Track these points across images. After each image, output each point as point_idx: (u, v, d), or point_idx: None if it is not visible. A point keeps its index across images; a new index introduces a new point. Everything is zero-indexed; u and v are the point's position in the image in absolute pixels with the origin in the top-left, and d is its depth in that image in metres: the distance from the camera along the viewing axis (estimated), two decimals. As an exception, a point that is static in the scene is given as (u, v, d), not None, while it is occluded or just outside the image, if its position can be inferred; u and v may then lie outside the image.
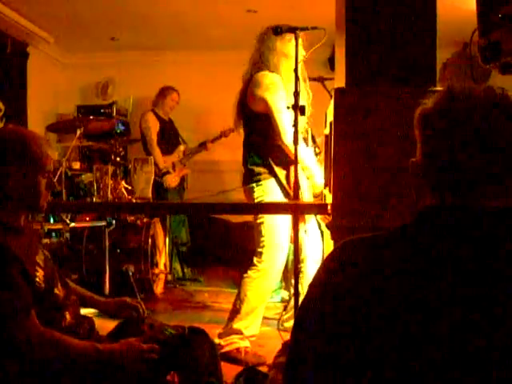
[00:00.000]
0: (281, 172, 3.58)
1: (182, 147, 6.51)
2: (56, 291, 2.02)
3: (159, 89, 6.48)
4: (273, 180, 3.60)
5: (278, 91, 3.54)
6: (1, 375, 1.78)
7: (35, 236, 2.20)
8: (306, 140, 3.74)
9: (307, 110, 3.28)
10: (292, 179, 3.33)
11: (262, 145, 3.64)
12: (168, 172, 6.15)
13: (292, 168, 3.32)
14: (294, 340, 1.18)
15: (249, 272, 3.66)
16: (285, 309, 4.17)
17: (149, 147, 6.15)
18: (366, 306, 1.05)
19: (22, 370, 1.79)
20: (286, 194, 3.54)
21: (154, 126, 6.24)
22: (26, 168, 1.97)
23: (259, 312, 3.70)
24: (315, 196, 3.66)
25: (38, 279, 1.91)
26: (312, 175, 3.61)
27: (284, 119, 3.46)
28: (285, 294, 4.97)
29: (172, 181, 6.23)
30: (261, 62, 3.66)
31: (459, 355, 0.98)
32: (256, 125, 3.66)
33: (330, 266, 1.19)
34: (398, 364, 1.00)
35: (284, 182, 3.56)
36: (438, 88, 1.17)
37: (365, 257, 1.12)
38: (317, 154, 3.83)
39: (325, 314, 1.10)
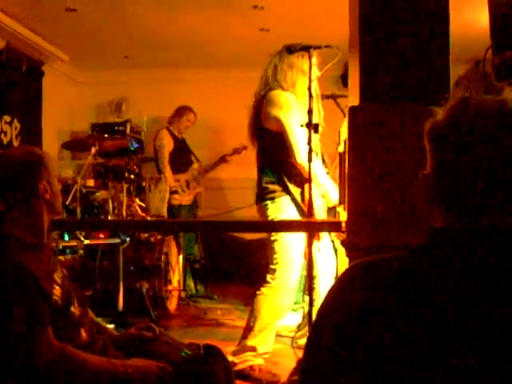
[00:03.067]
0: (295, 190, 3.58)
1: (195, 165, 6.54)
2: (72, 309, 2.04)
3: (176, 107, 6.54)
4: (287, 197, 3.60)
5: (291, 110, 3.55)
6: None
7: (53, 254, 2.22)
8: (318, 156, 3.75)
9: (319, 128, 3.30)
10: (306, 197, 3.34)
11: (276, 162, 3.65)
12: (176, 191, 6.17)
13: (306, 186, 3.33)
14: (306, 360, 1.16)
15: (262, 289, 3.65)
16: (298, 326, 4.16)
17: (160, 165, 6.19)
18: (377, 329, 1.03)
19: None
20: (301, 212, 3.54)
21: (168, 144, 6.29)
22: (50, 177, 2.10)
23: (272, 329, 3.69)
24: (329, 209, 3.67)
25: (55, 296, 1.93)
26: (326, 193, 3.62)
27: (298, 137, 3.47)
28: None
29: (186, 198, 6.25)
30: (274, 80, 3.67)
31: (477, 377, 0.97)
32: (270, 143, 3.67)
33: (340, 288, 1.17)
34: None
35: (299, 199, 3.56)
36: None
37: (375, 280, 1.10)
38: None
39: (335, 336, 1.09)
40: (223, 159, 6.56)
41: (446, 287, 1.03)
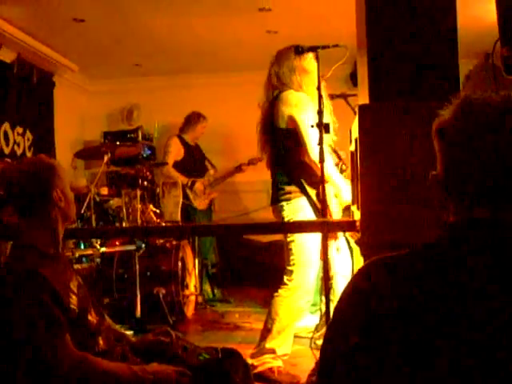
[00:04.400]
0: (312, 190, 3.58)
1: (211, 171, 6.55)
2: (89, 317, 2.05)
3: (188, 114, 6.54)
4: (304, 198, 3.59)
5: (305, 109, 3.55)
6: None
7: (68, 263, 2.24)
8: (335, 153, 3.75)
9: (331, 126, 3.29)
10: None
11: (291, 162, 3.65)
12: (195, 181, 6.18)
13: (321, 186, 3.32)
14: (323, 359, 1.16)
15: (279, 291, 3.65)
16: (316, 327, 4.15)
17: (164, 171, 6.19)
18: (392, 326, 1.03)
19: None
20: (317, 213, 3.53)
21: (174, 151, 6.29)
22: (63, 185, 2.12)
23: (291, 330, 3.68)
24: (343, 210, 3.66)
25: (72, 305, 1.94)
26: (339, 191, 3.61)
27: (311, 136, 3.47)
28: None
29: (202, 203, 6.26)
30: (281, 82, 3.68)
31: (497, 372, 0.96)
32: (283, 143, 3.66)
33: (355, 286, 1.17)
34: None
35: (315, 200, 3.55)
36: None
37: (390, 277, 1.10)
38: (343, 171, 3.83)
39: (352, 333, 1.09)
40: (239, 168, 6.55)
41: (461, 280, 1.03)
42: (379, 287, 1.10)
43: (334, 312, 1.18)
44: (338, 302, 1.17)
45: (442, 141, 1.15)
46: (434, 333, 1.00)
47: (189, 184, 6.17)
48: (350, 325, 1.10)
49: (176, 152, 6.31)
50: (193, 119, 6.50)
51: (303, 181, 3.60)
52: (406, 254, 1.13)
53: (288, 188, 3.64)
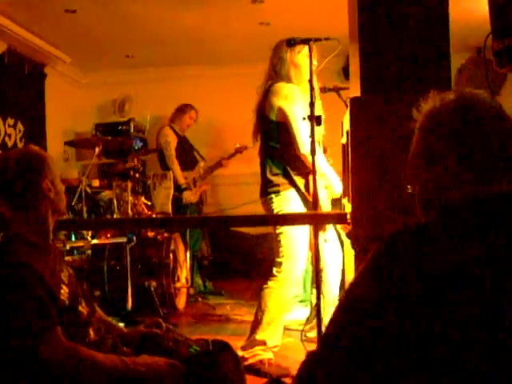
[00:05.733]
0: (300, 181, 3.59)
1: (201, 163, 6.55)
2: (80, 308, 2.05)
3: (178, 105, 6.53)
4: (292, 190, 3.61)
5: (296, 101, 3.57)
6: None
7: (59, 254, 2.23)
8: (320, 147, 3.76)
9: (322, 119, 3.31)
10: (311, 188, 3.34)
11: (280, 154, 3.66)
12: (187, 188, 6.18)
13: (310, 177, 3.33)
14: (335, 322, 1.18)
15: (269, 282, 3.66)
16: (307, 320, 4.16)
17: (168, 162, 6.18)
18: (418, 301, 1.05)
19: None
20: (306, 204, 3.55)
21: (173, 141, 6.29)
22: (53, 176, 2.10)
23: (280, 322, 3.69)
24: (333, 202, 3.67)
25: (62, 296, 1.93)
26: (329, 184, 3.63)
27: (301, 128, 3.48)
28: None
29: (192, 196, 6.26)
30: (275, 73, 3.69)
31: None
32: (274, 134, 3.68)
33: (380, 261, 1.16)
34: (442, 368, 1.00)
35: (303, 190, 3.57)
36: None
37: (415, 252, 1.11)
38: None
39: (372, 309, 1.10)
40: (219, 164, 6.55)
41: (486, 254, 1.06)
42: (405, 261, 1.11)
43: (352, 286, 1.19)
44: (361, 273, 1.17)
45: (437, 127, 1.25)
46: (459, 308, 1.02)
47: (191, 184, 6.19)
48: (370, 298, 1.11)
49: (173, 142, 6.31)
50: (181, 109, 6.50)
51: (291, 172, 3.61)
52: (426, 227, 1.17)
53: (277, 180, 3.65)
